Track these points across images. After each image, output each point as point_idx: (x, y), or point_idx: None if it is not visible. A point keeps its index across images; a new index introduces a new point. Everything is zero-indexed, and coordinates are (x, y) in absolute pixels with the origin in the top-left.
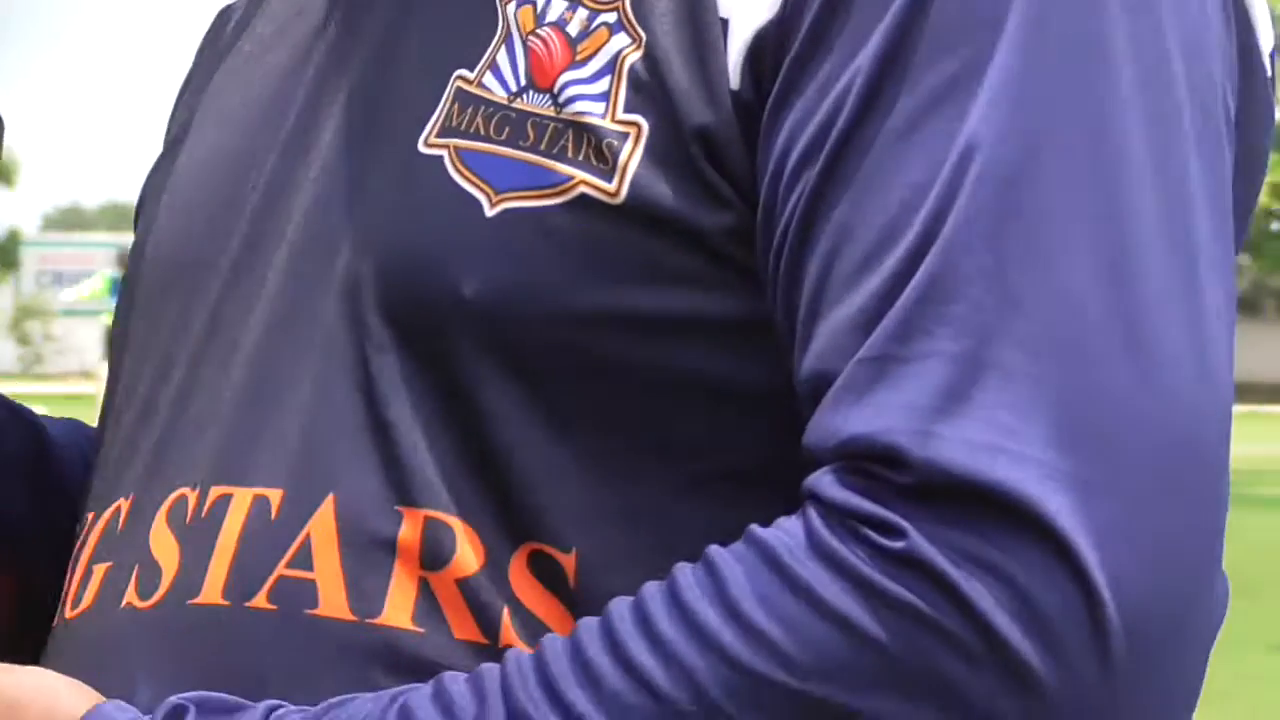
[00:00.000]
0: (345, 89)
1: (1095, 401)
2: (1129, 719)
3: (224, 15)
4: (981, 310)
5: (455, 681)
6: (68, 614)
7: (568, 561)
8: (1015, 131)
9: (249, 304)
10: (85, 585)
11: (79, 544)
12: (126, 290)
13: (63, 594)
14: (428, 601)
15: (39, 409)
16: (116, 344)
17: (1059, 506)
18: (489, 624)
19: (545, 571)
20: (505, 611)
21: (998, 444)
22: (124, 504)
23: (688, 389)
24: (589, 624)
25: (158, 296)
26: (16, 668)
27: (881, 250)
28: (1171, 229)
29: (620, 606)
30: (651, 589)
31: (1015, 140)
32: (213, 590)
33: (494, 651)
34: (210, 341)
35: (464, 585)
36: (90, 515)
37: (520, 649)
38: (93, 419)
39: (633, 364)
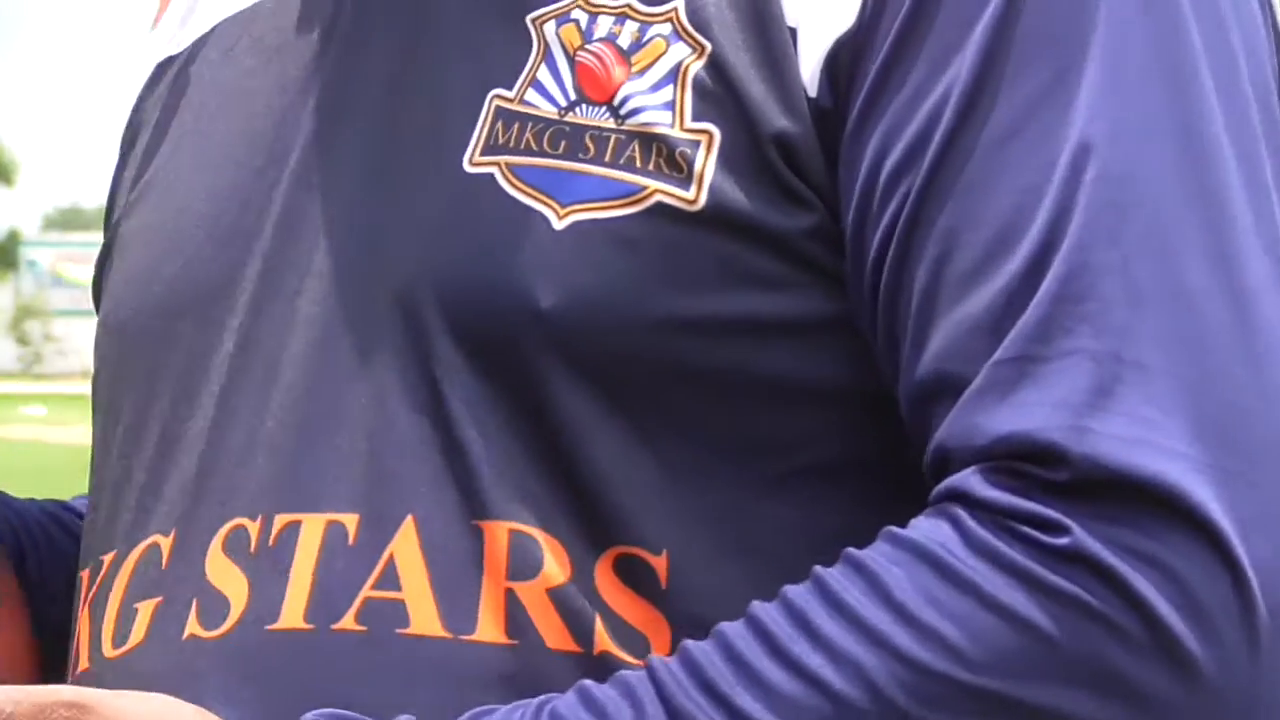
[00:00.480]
0: (359, 117)
1: (1222, 395)
2: (1270, 701)
3: (163, 68)
4: (1115, 307)
5: (600, 688)
6: (108, 653)
7: (659, 563)
8: (1123, 131)
9: (280, 334)
10: (128, 622)
11: (96, 584)
12: (111, 337)
13: (90, 635)
14: (518, 614)
15: (39, 409)
16: (106, 387)
17: (1206, 498)
18: (582, 632)
19: (634, 575)
20: (597, 619)
21: (1146, 439)
22: (163, 540)
23: (767, 390)
24: (734, 628)
25: (159, 336)
26: (143, 694)
27: (999, 252)
28: (1259, 222)
29: (768, 610)
30: (798, 593)
31: (1124, 139)
32: (293, 615)
33: (589, 660)
34: (240, 373)
35: (554, 595)
36: (110, 555)
37: (653, 656)
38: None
39: (712, 368)
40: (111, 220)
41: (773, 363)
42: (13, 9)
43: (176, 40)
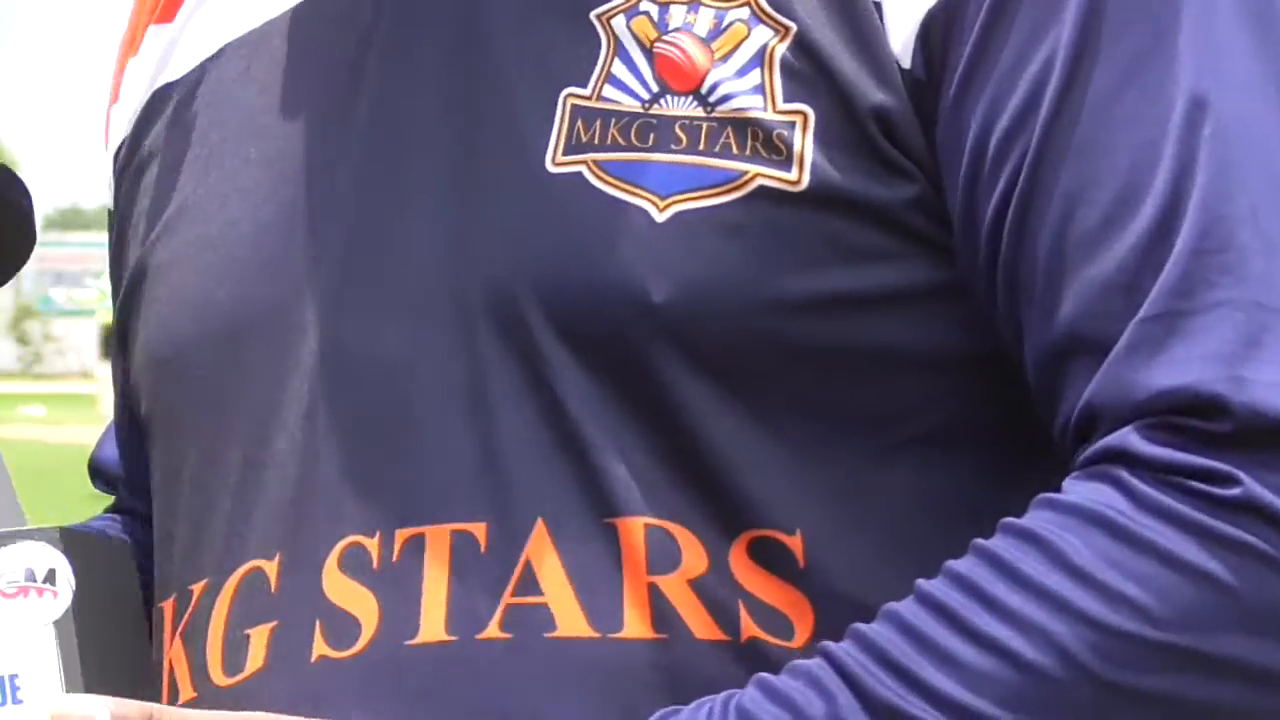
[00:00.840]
0: (419, 127)
1: None
2: None
3: (161, 95)
4: (1252, 256)
5: (781, 680)
6: (220, 681)
7: (794, 543)
8: (1230, 84)
9: (365, 351)
10: (239, 649)
11: (188, 614)
12: (164, 366)
13: (191, 665)
14: (664, 607)
15: (38, 409)
16: (167, 417)
17: None
18: (728, 620)
19: (770, 558)
20: (740, 605)
21: None
22: (266, 565)
23: (877, 362)
24: (907, 608)
25: (223, 362)
26: None
27: (1124, 210)
28: None
29: (938, 587)
30: (967, 567)
31: (1233, 92)
32: (433, 628)
33: (738, 647)
34: (325, 393)
35: (696, 585)
36: (200, 585)
37: (826, 643)
38: (91, 418)
39: (824, 344)
40: (131, 253)
41: (883, 334)
42: (9, 7)
43: (171, 67)
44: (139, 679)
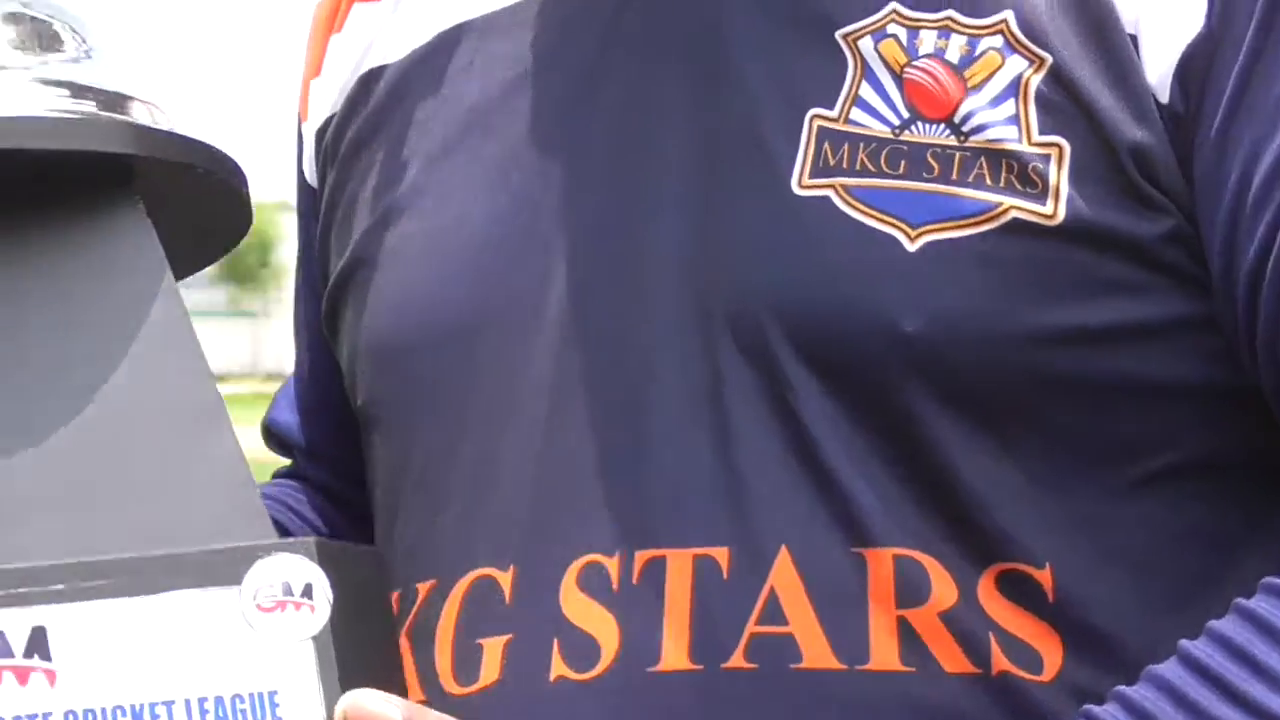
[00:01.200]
0: (663, 134)
1: None
2: None
3: (372, 77)
4: None
5: None
6: (451, 689)
7: (1044, 577)
8: None
9: (603, 361)
10: (472, 659)
11: (414, 612)
12: (391, 356)
13: (418, 667)
14: (911, 640)
15: None
16: (390, 407)
17: None
18: (979, 654)
19: (1019, 590)
20: (991, 638)
21: None
22: (499, 574)
23: (1126, 394)
24: (1173, 673)
25: (455, 357)
26: None
27: None
28: None
29: (1205, 651)
30: (1235, 630)
31: None
32: (677, 655)
33: (988, 680)
34: (557, 403)
35: (946, 618)
36: (427, 584)
37: (1090, 707)
38: None
39: (1075, 377)
40: (349, 238)
41: (1134, 367)
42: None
43: (383, 48)
44: (394, 694)
